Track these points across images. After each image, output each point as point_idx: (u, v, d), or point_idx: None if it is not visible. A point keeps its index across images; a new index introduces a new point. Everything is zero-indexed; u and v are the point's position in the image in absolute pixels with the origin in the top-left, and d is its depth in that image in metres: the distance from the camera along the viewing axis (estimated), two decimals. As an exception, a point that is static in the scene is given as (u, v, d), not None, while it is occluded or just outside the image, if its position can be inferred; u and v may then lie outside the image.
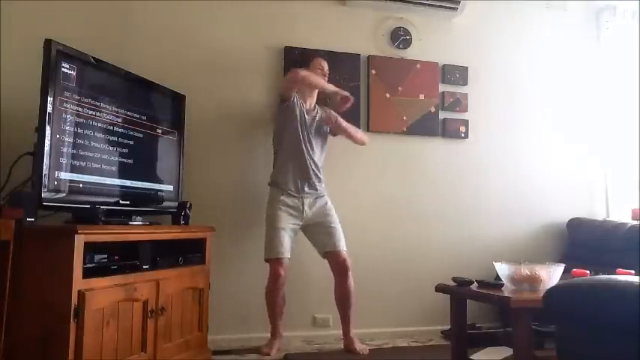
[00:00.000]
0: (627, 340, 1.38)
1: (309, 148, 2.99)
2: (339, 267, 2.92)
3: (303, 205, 2.94)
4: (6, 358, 1.67)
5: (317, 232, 2.96)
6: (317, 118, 3.07)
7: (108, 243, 2.09)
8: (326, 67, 3.12)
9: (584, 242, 3.56)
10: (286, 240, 2.88)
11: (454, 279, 2.42)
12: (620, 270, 2.41)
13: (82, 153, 2.26)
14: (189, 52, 3.18)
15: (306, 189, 2.96)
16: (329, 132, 3.14)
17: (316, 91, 3.11)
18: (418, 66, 3.60)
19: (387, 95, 3.52)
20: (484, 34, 3.79)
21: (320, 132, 3.07)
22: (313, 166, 2.98)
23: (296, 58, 3.29)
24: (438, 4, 3.55)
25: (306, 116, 3.02)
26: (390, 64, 3.55)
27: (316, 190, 2.99)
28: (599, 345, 1.50)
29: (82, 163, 2.26)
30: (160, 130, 2.78)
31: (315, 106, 3.12)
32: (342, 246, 2.94)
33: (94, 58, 2.35)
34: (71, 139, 2.20)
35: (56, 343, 1.82)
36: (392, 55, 3.57)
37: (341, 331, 3.01)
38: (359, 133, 3.21)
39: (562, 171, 3.85)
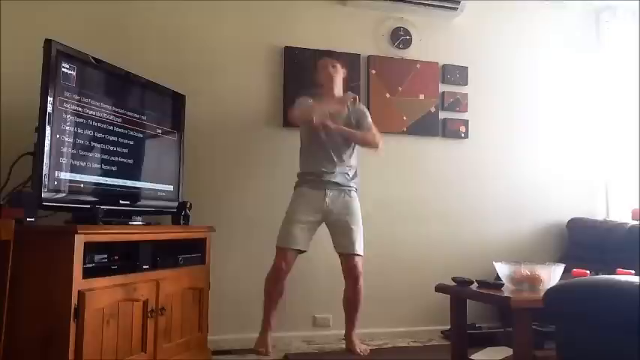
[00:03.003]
0: (627, 339, 1.38)
1: (331, 141, 2.93)
2: (349, 271, 2.90)
3: (324, 197, 2.90)
4: (6, 358, 1.67)
5: (335, 231, 2.92)
6: (345, 111, 2.99)
7: (108, 243, 2.10)
8: (330, 65, 3.05)
9: (584, 242, 3.56)
10: (298, 231, 2.85)
11: (454, 279, 2.42)
12: (620, 270, 2.42)
13: (82, 153, 2.26)
14: (189, 52, 3.18)
15: (328, 182, 2.92)
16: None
17: (338, 84, 3.06)
18: (418, 66, 3.60)
19: (387, 95, 3.52)
20: (484, 34, 3.79)
21: (346, 123, 2.97)
22: (337, 159, 2.94)
23: (296, 58, 3.29)
24: (438, 4, 3.55)
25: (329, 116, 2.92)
26: (390, 64, 3.55)
27: (339, 184, 2.94)
28: (599, 344, 1.51)
29: (82, 163, 2.26)
30: (159, 130, 2.78)
31: (344, 97, 3.06)
32: (357, 249, 2.88)
33: (94, 58, 2.35)
34: (71, 139, 2.20)
35: (56, 343, 1.82)
36: (392, 55, 3.57)
37: (342, 331, 3.02)
38: (366, 138, 2.97)
39: (562, 171, 3.85)
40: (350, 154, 3.01)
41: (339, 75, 3.08)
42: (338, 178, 2.94)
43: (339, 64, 3.09)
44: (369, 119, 3.05)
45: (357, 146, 3.05)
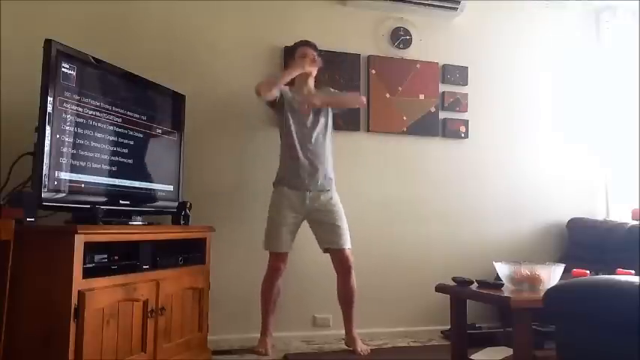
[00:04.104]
0: (627, 339, 1.38)
1: (308, 142, 2.94)
2: (340, 265, 2.92)
3: (305, 198, 2.92)
4: (6, 358, 1.67)
5: (320, 229, 2.94)
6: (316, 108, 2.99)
7: (108, 243, 2.09)
8: (310, 53, 3.01)
9: (584, 242, 3.56)
10: (285, 234, 2.88)
11: (454, 279, 2.42)
12: (620, 270, 2.42)
13: (82, 153, 2.26)
14: (189, 52, 3.18)
15: (308, 183, 2.93)
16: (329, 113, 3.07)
17: (309, 78, 3.04)
18: (418, 66, 3.60)
19: (387, 95, 3.52)
20: (484, 34, 3.79)
21: (320, 120, 2.99)
22: (315, 160, 2.94)
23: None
24: (438, 4, 3.55)
25: (298, 107, 2.97)
26: (390, 64, 3.55)
27: (319, 183, 2.95)
28: (599, 345, 1.51)
29: (82, 163, 2.26)
30: (159, 130, 2.78)
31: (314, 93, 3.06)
32: (344, 244, 2.90)
33: (94, 58, 2.35)
34: (71, 139, 2.20)
35: (56, 343, 1.82)
36: (392, 55, 3.57)
37: (341, 331, 3.02)
38: (350, 98, 3.17)
39: (562, 171, 3.85)
40: (327, 151, 3.01)
41: (316, 67, 3.04)
42: (318, 179, 2.95)
43: (318, 57, 3.03)
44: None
45: (331, 138, 3.06)
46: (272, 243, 2.89)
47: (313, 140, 2.96)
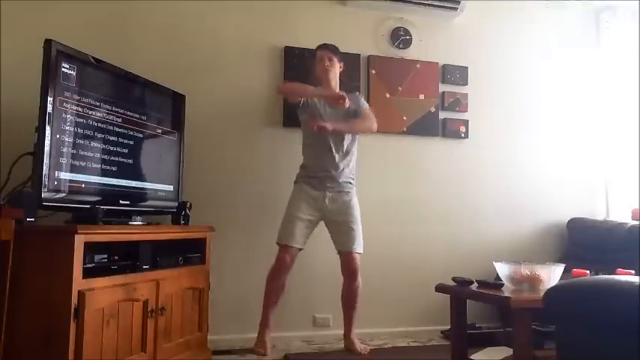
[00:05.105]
0: (627, 339, 1.38)
1: (333, 142, 2.94)
2: (347, 269, 2.92)
3: (324, 198, 2.92)
4: (6, 358, 1.67)
5: (335, 230, 2.95)
6: (345, 109, 2.96)
7: (108, 243, 2.10)
8: (326, 58, 3.02)
9: (584, 242, 3.56)
10: (299, 229, 2.87)
11: (454, 279, 2.43)
12: (620, 270, 2.42)
13: (82, 153, 2.26)
14: (189, 52, 3.18)
15: (328, 183, 2.94)
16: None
17: (333, 78, 3.04)
18: (418, 66, 3.60)
19: (387, 95, 3.52)
20: (484, 34, 3.79)
21: (348, 121, 2.98)
22: (338, 161, 2.94)
23: (296, 58, 3.30)
24: (438, 4, 3.55)
25: (328, 110, 2.97)
26: (390, 64, 3.55)
27: (340, 184, 2.96)
28: (599, 345, 1.51)
29: (82, 163, 2.26)
30: (159, 130, 2.78)
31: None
32: (355, 248, 2.90)
33: (94, 58, 2.35)
34: (71, 139, 2.20)
35: (56, 343, 1.82)
36: (392, 55, 3.57)
37: (341, 331, 3.02)
38: (362, 125, 3.00)
39: (562, 171, 3.85)
40: (352, 152, 3.02)
41: (335, 69, 3.05)
42: (338, 179, 2.95)
43: (336, 58, 3.06)
44: (365, 104, 3.08)
45: (357, 140, 3.07)
46: (284, 236, 2.88)
47: (336, 142, 2.94)
